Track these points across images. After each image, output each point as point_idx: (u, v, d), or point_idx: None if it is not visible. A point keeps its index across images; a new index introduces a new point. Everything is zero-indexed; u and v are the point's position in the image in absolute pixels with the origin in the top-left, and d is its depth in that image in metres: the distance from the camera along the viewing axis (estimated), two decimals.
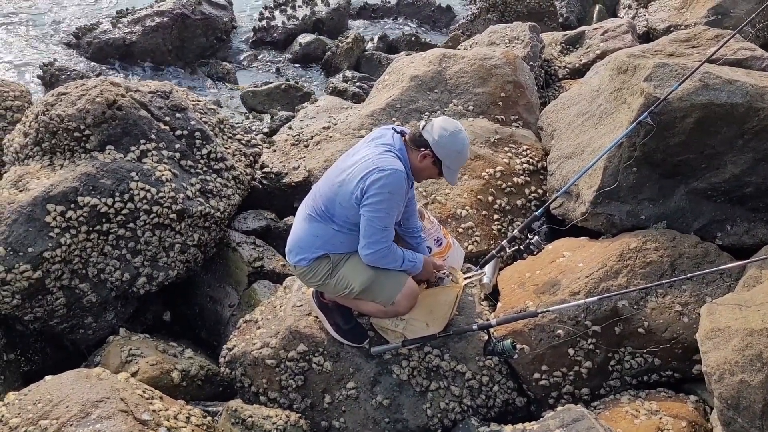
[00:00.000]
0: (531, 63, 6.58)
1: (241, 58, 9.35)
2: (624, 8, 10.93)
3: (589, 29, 7.75)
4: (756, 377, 2.80)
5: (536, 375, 3.77)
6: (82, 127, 4.36)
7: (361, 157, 3.38)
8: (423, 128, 3.39)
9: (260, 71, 9.00)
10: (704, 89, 3.96)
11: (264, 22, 10.27)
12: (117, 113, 4.46)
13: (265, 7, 10.88)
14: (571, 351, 3.74)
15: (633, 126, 4.03)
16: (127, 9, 9.96)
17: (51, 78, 8.17)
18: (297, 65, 9.26)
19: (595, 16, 10.16)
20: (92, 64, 8.80)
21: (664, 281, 3.68)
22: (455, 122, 3.42)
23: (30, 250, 3.94)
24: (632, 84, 4.32)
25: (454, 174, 3.47)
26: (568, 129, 4.94)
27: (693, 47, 4.61)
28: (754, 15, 4.59)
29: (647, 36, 8.41)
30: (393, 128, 3.53)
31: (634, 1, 10.87)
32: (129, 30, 9.12)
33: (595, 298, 3.60)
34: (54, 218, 4.03)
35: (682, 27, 7.78)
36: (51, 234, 4.01)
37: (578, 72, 7.07)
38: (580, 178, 4.33)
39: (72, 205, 4.10)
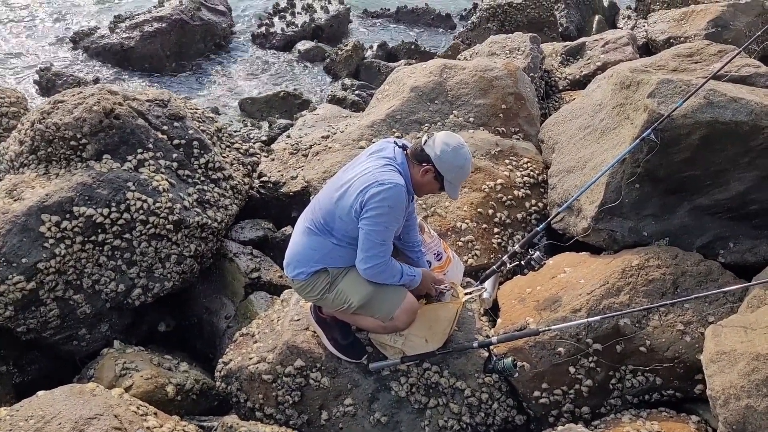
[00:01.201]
0: (531, 74, 6.56)
1: (240, 64, 9.31)
2: (623, 18, 10.96)
3: (590, 40, 7.73)
4: (762, 403, 2.75)
5: (536, 393, 3.72)
6: (78, 135, 4.31)
7: (362, 171, 3.34)
8: (425, 143, 3.35)
9: (259, 78, 8.96)
10: (709, 107, 3.92)
11: (263, 29, 10.26)
12: (114, 122, 4.42)
13: (265, 14, 10.87)
14: (571, 369, 3.69)
15: (637, 142, 3.99)
16: (125, 14, 9.92)
17: (47, 83, 8.12)
18: (296, 72, 9.22)
19: (594, 26, 10.17)
20: (89, 69, 8.75)
21: (667, 301, 3.64)
22: (457, 137, 3.38)
23: (24, 260, 3.89)
24: (635, 99, 4.29)
25: (456, 189, 3.43)
26: (569, 143, 4.91)
27: (696, 62, 4.58)
28: (759, 33, 4.55)
29: (647, 47, 8.40)
30: (394, 142, 3.49)
31: (634, 11, 10.91)
32: (127, 35, 9.09)
33: (597, 317, 3.56)
34: (49, 228, 3.99)
35: (682, 39, 7.77)
36: (45, 244, 3.96)
37: (579, 83, 7.06)
38: (582, 193, 4.29)
39: (67, 216, 4.05)
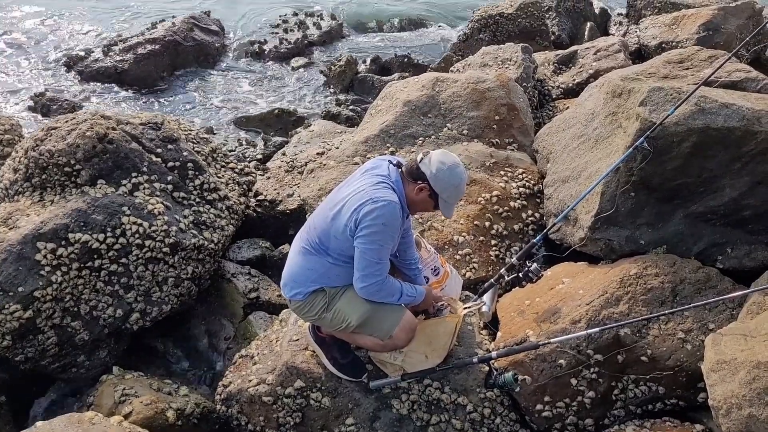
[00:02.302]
0: (524, 84, 6.57)
1: (234, 83, 9.32)
2: (615, 25, 10.99)
3: (582, 48, 7.75)
4: (765, 411, 2.73)
5: (539, 406, 3.69)
6: (72, 161, 4.31)
7: (355, 189, 3.33)
8: (420, 161, 3.34)
9: (253, 96, 8.97)
10: (700, 113, 3.92)
11: (256, 47, 10.29)
12: (108, 147, 4.42)
13: (258, 31, 10.93)
14: (573, 381, 3.67)
15: (630, 151, 3.99)
16: (118, 37, 9.97)
17: (42, 108, 8.12)
18: (290, 89, 9.24)
19: (586, 33, 10.17)
20: (84, 93, 8.75)
21: (666, 311, 3.62)
22: (453, 156, 3.38)
23: (20, 289, 3.88)
24: (627, 108, 4.29)
25: (451, 207, 3.43)
26: (563, 152, 4.91)
27: (687, 69, 4.59)
28: (748, 38, 4.56)
29: (639, 52, 8.43)
30: (389, 160, 3.49)
31: (625, 17, 10.93)
32: (121, 58, 9.11)
33: (596, 329, 3.54)
34: (45, 256, 3.98)
35: (674, 44, 7.79)
36: (42, 272, 3.95)
37: (572, 92, 7.07)
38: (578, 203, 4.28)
39: (63, 242, 4.04)
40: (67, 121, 4.51)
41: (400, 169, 3.43)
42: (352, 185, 3.39)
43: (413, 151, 5.27)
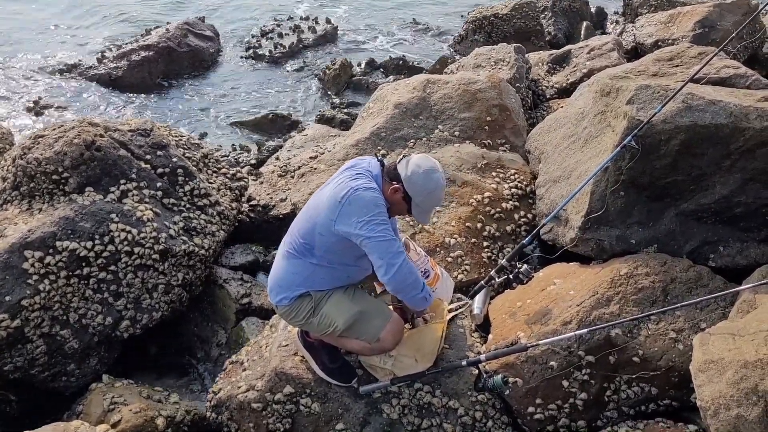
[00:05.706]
0: (517, 84, 6.55)
1: (229, 88, 9.31)
2: (612, 24, 10.98)
3: (575, 48, 7.73)
4: (753, 411, 2.69)
5: (531, 409, 3.65)
6: (60, 169, 4.30)
7: (335, 184, 3.33)
8: (399, 161, 3.33)
9: (247, 101, 8.97)
10: (687, 111, 3.89)
11: (251, 51, 10.29)
12: (95, 154, 4.40)
13: (253, 36, 10.93)
14: (565, 383, 3.63)
15: (618, 150, 3.96)
16: (112, 44, 9.98)
17: (37, 116, 8.13)
18: (284, 93, 9.24)
19: (582, 33, 10.16)
20: (78, 100, 8.76)
21: (655, 310, 3.58)
22: (433, 161, 3.34)
23: (7, 298, 3.85)
24: (615, 107, 4.26)
25: (425, 214, 3.39)
26: (554, 152, 4.88)
27: (676, 66, 4.56)
28: (734, 33, 4.52)
29: (635, 51, 8.40)
30: (375, 156, 3.48)
31: (622, 16, 10.91)
32: (115, 65, 9.11)
33: (585, 330, 3.50)
34: (32, 264, 3.96)
35: (670, 41, 7.77)
36: (29, 281, 3.93)
37: (566, 91, 7.04)
38: (568, 203, 4.25)
39: (50, 251, 4.02)
40: (54, 129, 4.50)
41: (382, 167, 3.41)
42: (332, 183, 3.39)
43: (404, 154, 5.25)
